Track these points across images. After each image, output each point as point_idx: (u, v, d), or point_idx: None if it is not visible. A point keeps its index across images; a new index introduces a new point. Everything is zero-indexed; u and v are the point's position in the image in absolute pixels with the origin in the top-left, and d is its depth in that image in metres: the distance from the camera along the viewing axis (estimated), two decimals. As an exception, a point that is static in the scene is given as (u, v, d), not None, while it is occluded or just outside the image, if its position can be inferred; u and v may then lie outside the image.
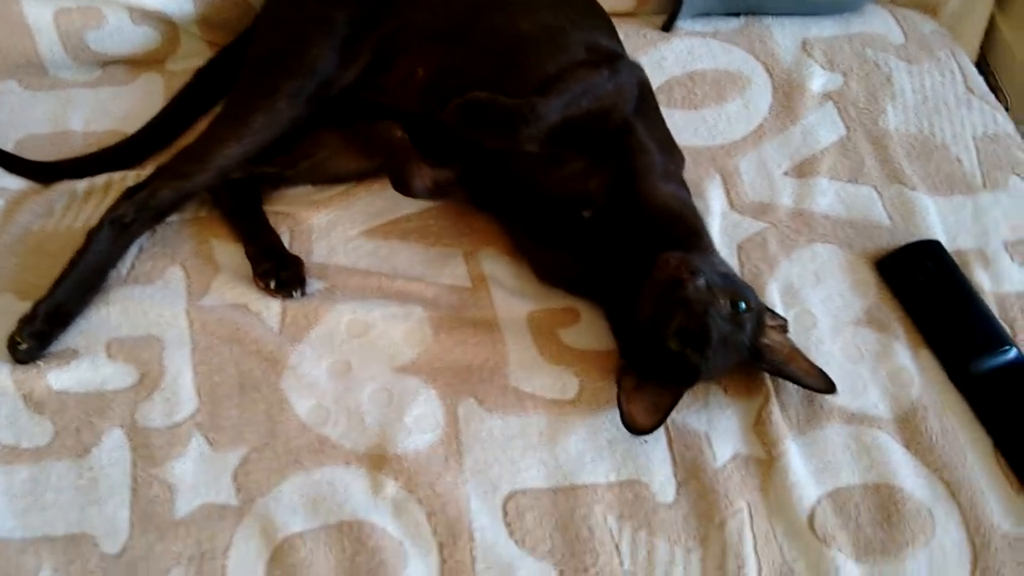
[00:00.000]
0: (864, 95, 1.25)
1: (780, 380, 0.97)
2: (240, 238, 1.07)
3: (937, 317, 1.03)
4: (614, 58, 1.06)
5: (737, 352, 0.93)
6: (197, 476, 0.90)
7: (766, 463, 0.93)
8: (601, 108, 0.99)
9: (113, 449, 0.91)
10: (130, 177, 1.11)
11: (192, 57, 1.25)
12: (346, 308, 1.01)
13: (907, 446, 0.95)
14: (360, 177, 1.14)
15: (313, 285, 1.04)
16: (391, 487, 0.89)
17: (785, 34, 1.32)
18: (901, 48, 1.31)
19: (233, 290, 1.03)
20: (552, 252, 1.04)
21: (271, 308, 1.02)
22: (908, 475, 0.93)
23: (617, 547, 0.87)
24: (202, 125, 1.12)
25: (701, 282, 0.90)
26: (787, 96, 1.25)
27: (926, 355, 1.01)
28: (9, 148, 1.16)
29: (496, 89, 0.97)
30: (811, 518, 0.90)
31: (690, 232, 0.99)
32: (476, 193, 1.07)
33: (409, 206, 1.11)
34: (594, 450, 0.93)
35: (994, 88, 1.34)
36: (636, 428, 0.92)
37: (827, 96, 1.25)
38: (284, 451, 0.91)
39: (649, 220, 0.98)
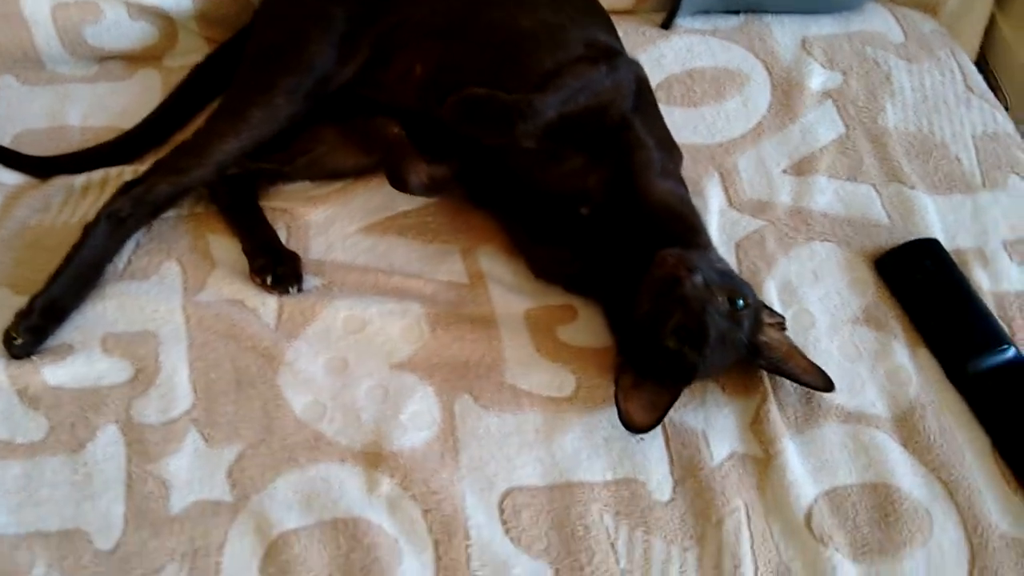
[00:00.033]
0: (863, 93, 1.25)
1: (778, 379, 0.97)
2: (237, 234, 1.07)
3: (935, 316, 1.03)
4: (612, 55, 1.06)
5: (735, 350, 0.92)
6: (192, 472, 0.89)
7: (763, 462, 0.93)
8: (599, 104, 0.99)
9: (108, 445, 0.90)
10: (127, 172, 1.11)
11: (190, 53, 1.24)
12: (343, 304, 1.01)
13: (905, 445, 0.94)
14: (358, 173, 1.13)
15: (310, 281, 1.04)
16: (386, 484, 0.89)
17: (784, 32, 1.31)
18: (901, 47, 1.31)
19: (230, 286, 1.03)
20: (550, 249, 1.03)
21: (267, 304, 1.01)
22: (906, 474, 0.92)
23: (613, 545, 0.87)
24: (200, 121, 1.11)
25: (698, 279, 0.89)
26: (786, 94, 1.25)
27: (924, 354, 1.01)
28: (6, 143, 1.16)
29: (494, 86, 0.97)
30: (808, 517, 0.89)
31: (688, 229, 0.99)
32: (473, 190, 1.06)
33: (407, 203, 1.10)
34: (590, 448, 0.93)
35: (994, 88, 1.33)
36: (634, 426, 0.92)
37: (826, 94, 1.25)
38: (279, 448, 0.91)
39: (647, 217, 0.97)
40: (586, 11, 1.14)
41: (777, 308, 1.02)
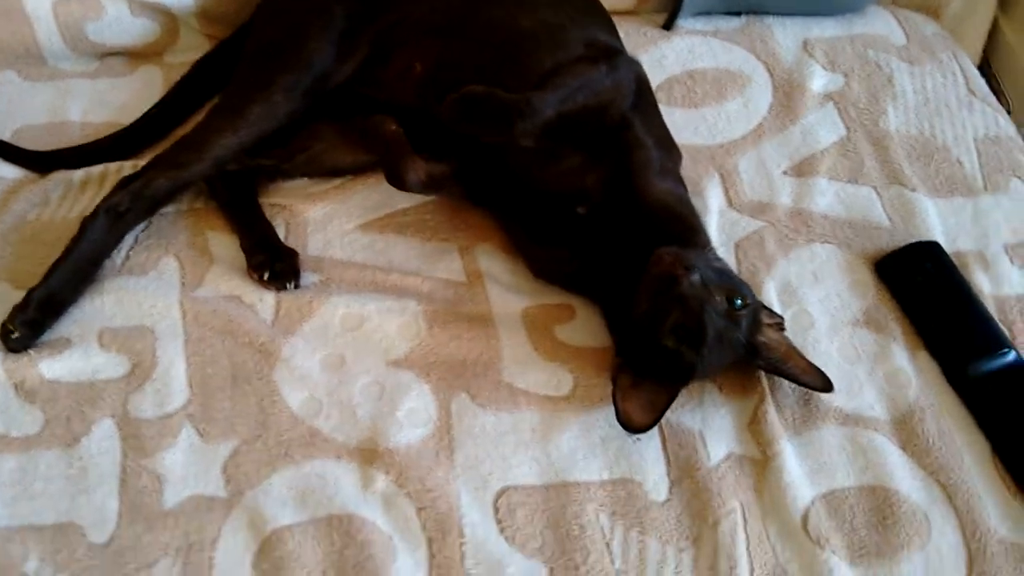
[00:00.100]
0: (865, 96, 1.25)
1: (776, 380, 0.97)
2: (235, 230, 1.07)
3: (935, 319, 1.02)
4: (612, 54, 1.05)
5: (733, 349, 0.92)
6: (187, 467, 0.89)
7: (760, 463, 0.92)
8: (598, 103, 0.99)
9: (103, 439, 0.90)
10: (126, 167, 1.11)
11: (191, 50, 1.24)
12: (340, 301, 1.01)
13: (903, 448, 0.94)
14: (357, 171, 1.13)
15: (308, 278, 1.04)
16: (381, 481, 0.89)
17: (786, 34, 1.31)
18: (903, 49, 1.31)
19: (227, 282, 1.03)
20: (548, 248, 1.03)
21: (265, 300, 1.01)
22: (904, 478, 0.92)
23: (608, 545, 0.87)
24: (199, 117, 1.11)
25: (696, 278, 0.89)
26: (787, 96, 1.24)
27: (924, 357, 1.00)
28: (7, 137, 1.16)
29: (494, 84, 0.97)
30: (805, 519, 0.89)
31: (686, 228, 0.98)
32: (472, 188, 1.06)
33: (405, 200, 1.10)
34: (587, 447, 0.92)
35: (996, 91, 1.33)
36: (631, 426, 0.91)
37: (828, 96, 1.25)
38: (275, 443, 0.91)
39: (645, 216, 0.97)
40: (586, 11, 1.14)
41: (776, 309, 1.02)
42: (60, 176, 1.11)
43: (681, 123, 1.18)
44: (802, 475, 0.91)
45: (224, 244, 1.06)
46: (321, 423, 0.93)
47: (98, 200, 1.04)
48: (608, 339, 0.99)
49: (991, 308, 1.04)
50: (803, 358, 0.95)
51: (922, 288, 1.04)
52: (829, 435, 0.94)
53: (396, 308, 1.01)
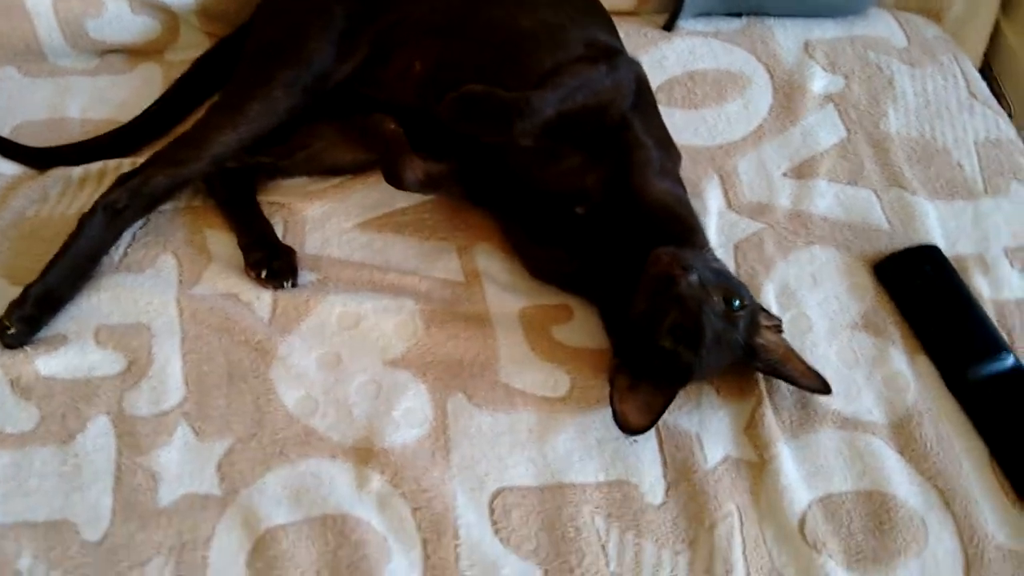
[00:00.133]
0: (865, 98, 1.24)
1: (773, 382, 0.96)
2: (233, 228, 1.07)
3: (934, 322, 1.02)
4: (612, 54, 1.05)
5: (731, 351, 0.92)
6: (182, 465, 0.89)
7: (757, 466, 0.92)
8: (598, 103, 0.98)
9: (98, 436, 0.90)
10: (125, 165, 1.11)
11: (191, 48, 1.24)
12: (338, 300, 1.01)
13: (901, 453, 0.94)
14: (356, 170, 1.13)
15: (305, 276, 1.04)
16: (376, 481, 0.88)
17: (787, 35, 1.31)
18: (904, 52, 1.31)
19: (225, 280, 1.03)
20: (546, 248, 1.03)
21: (262, 298, 1.01)
22: (902, 482, 0.91)
23: (603, 548, 0.86)
24: (199, 115, 1.11)
25: (694, 278, 0.89)
26: (788, 97, 1.24)
27: (922, 361, 1.00)
28: (6, 134, 1.16)
29: (494, 84, 0.97)
30: (802, 523, 0.88)
31: (685, 229, 0.98)
32: (471, 188, 1.06)
33: (404, 200, 1.10)
34: (583, 449, 0.92)
35: (997, 94, 1.32)
36: (629, 428, 0.91)
37: (828, 98, 1.24)
38: (270, 442, 0.91)
39: (644, 216, 0.97)
40: (586, 11, 1.13)
41: (775, 312, 1.02)
42: (59, 173, 1.11)
43: (681, 124, 1.18)
44: (799, 479, 0.91)
45: (222, 242, 1.06)
46: (317, 422, 0.92)
47: (97, 197, 1.04)
48: (606, 340, 0.99)
49: (991, 312, 1.03)
50: (801, 360, 0.95)
51: (921, 291, 1.04)
52: (827, 439, 0.94)
53: (393, 307, 1.00)
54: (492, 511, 0.88)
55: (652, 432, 0.93)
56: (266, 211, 1.09)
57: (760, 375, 0.97)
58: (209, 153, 1.03)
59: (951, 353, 1.00)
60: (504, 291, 1.04)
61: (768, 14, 1.33)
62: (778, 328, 0.97)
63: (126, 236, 1.05)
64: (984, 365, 0.98)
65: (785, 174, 1.17)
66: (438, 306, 1.02)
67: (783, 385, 0.96)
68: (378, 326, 0.99)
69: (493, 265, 1.06)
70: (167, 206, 1.08)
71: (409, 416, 0.93)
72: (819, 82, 1.26)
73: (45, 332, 0.96)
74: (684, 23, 1.31)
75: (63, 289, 0.98)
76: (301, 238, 1.08)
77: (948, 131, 1.21)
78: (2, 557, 0.82)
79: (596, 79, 0.99)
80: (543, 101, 0.95)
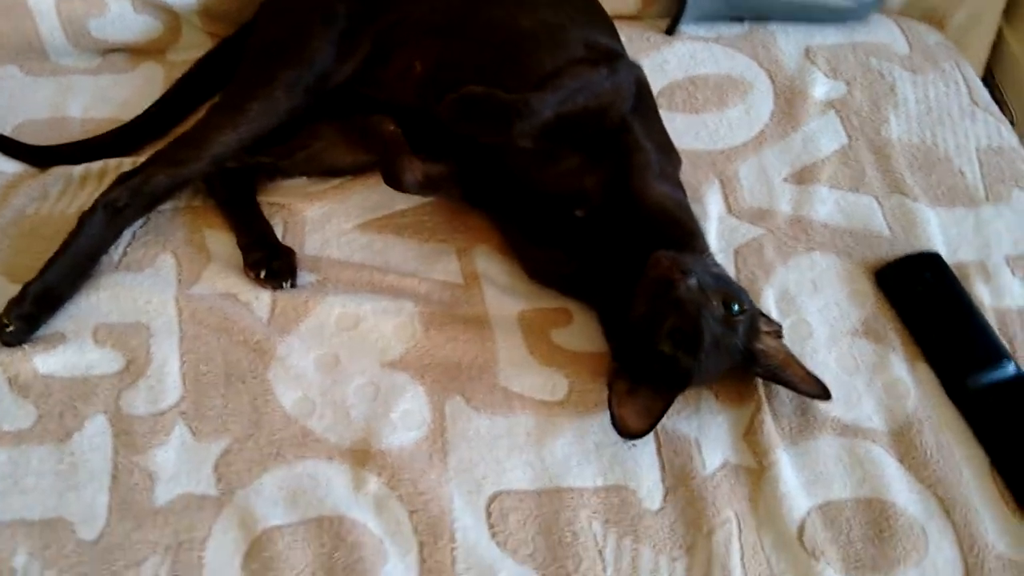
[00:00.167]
0: (867, 104, 1.24)
1: (773, 388, 0.96)
2: (233, 228, 1.07)
3: (935, 330, 1.02)
4: (613, 57, 1.05)
5: (730, 356, 0.91)
6: (178, 465, 0.89)
7: (756, 472, 0.91)
8: (598, 106, 0.98)
9: (95, 435, 0.90)
10: (126, 164, 1.11)
11: (193, 48, 1.24)
12: (337, 301, 1.01)
13: (901, 460, 0.93)
14: (356, 171, 1.13)
15: (304, 277, 1.04)
16: (373, 483, 0.88)
17: (789, 41, 1.31)
18: (906, 58, 1.30)
19: (224, 280, 1.02)
20: (545, 251, 1.02)
21: (261, 299, 1.01)
22: (901, 490, 0.91)
23: (600, 553, 0.86)
24: (200, 115, 1.11)
25: (693, 282, 0.88)
26: (789, 103, 1.24)
27: (923, 368, 0.99)
28: (7, 132, 1.16)
29: (494, 85, 0.97)
30: (801, 531, 0.88)
31: (684, 233, 0.98)
32: (470, 190, 1.06)
33: (404, 201, 1.10)
34: (581, 453, 0.92)
35: (999, 102, 1.32)
36: (627, 432, 0.91)
37: (829, 104, 1.24)
38: (267, 443, 0.90)
39: (643, 219, 0.97)
40: (587, 13, 1.13)
41: (775, 318, 1.01)
42: (60, 171, 1.11)
43: (682, 128, 1.18)
44: (798, 486, 0.91)
45: (221, 242, 1.06)
46: (314, 423, 0.92)
47: (97, 196, 1.04)
48: (605, 344, 0.99)
49: (992, 320, 1.03)
50: (801, 366, 0.94)
51: (922, 298, 1.04)
52: (826, 445, 0.93)
53: (392, 309, 1.00)
54: (489, 515, 0.87)
55: (650, 437, 0.92)
56: (266, 212, 1.09)
57: (759, 381, 0.96)
58: (209, 153, 1.03)
59: (952, 361, 0.99)
60: (503, 294, 1.03)
61: (770, 19, 1.33)
62: (778, 333, 0.97)
63: (126, 235, 1.05)
64: (985, 373, 0.98)
65: (786, 180, 1.16)
66: (437, 308, 1.01)
67: (783, 391, 0.96)
68: (377, 328, 0.99)
69: (492, 268, 1.06)
70: (167, 205, 1.08)
71: (407, 418, 0.93)
72: (821, 88, 1.25)
73: (44, 330, 0.96)
74: (686, 28, 1.31)
75: (62, 287, 0.98)
76: (301, 239, 1.08)
77: (950, 138, 1.21)
78: (-2, 555, 0.82)
79: (596, 81, 0.99)
80: (542, 103, 0.95)
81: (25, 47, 1.23)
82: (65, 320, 0.97)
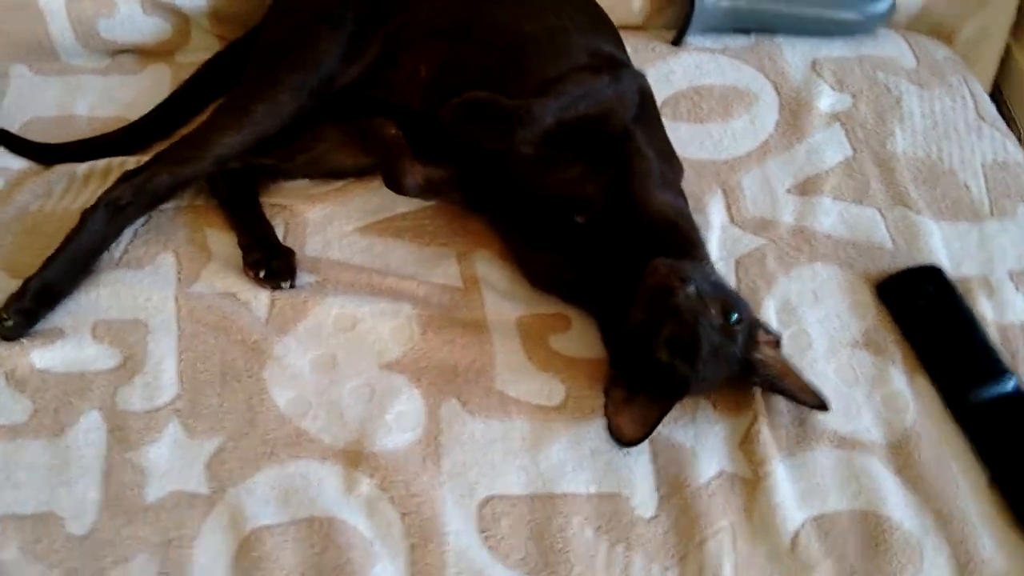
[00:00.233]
0: (872, 117, 1.24)
1: (771, 398, 0.95)
2: (234, 228, 1.07)
3: (936, 343, 1.01)
4: (616, 65, 1.05)
5: (728, 365, 0.91)
6: (171, 462, 0.88)
7: (751, 483, 0.90)
8: (599, 113, 0.98)
9: (89, 430, 0.90)
10: (130, 162, 1.12)
11: (202, 51, 1.26)
12: (335, 302, 1.01)
13: (899, 474, 0.92)
14: (358, 173, 1.13)
15: (304, 278, 1.04)
16: (366, 485, 0.88)
17: (795, 53, 1.31)
18: (912, 72, 1.30)
19: (224, 279, 1.03)
20: (545, 257, 1.02)
21: (260, 298, 1.01)
22: (898, 504, 0.90)
23: (593, 560, 0.85)
24: (206, 116, 1.12)
25: (691, 290, 0.88)
26: (794, 114, 1.23)
27: (922, 381, 0.98)
28: (15, 129, 1.17)
29: (497, 89, 0.97)
30: (794, 542, 0.87)
31: (685, 241, 0.97)
32: (472, 194, 1.06)
33: (405, 205, 1.10)
34: (576, 459, 0.91)
35: (1007, 118, 1.31)
36: (622, 440, 0.91)
37: (835, 116, 1.24)
38: (260, 442, 0.90)
39: (643, 226, 0.96)
40: (592, 21, 1.14)
41: (775, 328, 1.00)
42: (64, 169, 1.12)
43: (686, 138, 1.18)
44: (793, 497, 0.89)
45: (222, 241, 1.06)
46: (308, 423, 0.92)
47: (100, 194, 1.04)
48: (603, 351, 0.98)
49: (994, 335, 1.02)
50: (799, 376, 0.94)
51: (923, 312, 1.03)
52: (823, 457, 0.92)
53: (390, 311, 1.00)
54: (481, 519, 0.87)
55: (646, 445, 0.92)
56: (268, 212, 1.09)
57: (757, 390, 0.96)
58: (213, 153, 1.04)
59: (952, 374, 0.98)
60: (502, 298, 1.03)
61: (777, 32, 1.33)
62: (777, 343, 0.96)
63: (127, 233, 1.05)
64: (986, 387, 0.97)
65: (789, 190, 1.16)
66: (435, 311, 1.01)
67: (780, 401, 0.95)
68: (375, 329, 0.99)
69: (492, 272, 1.06)
70: (169, 204, 1.08)
71: (401, 420, 0.92)
72: (826, 100, 1.25)
73: (42, 325, 0.97)
74: (692, 39, 1.32)
75: (62, 283, 0.99)
76: (302, 240, 1.08)
77: (955, 152, 1.21)
78: (-11, 548, 0.82)
79: (599, 89, 0.99)
80: (544, 109, 0.95)
81: (35, 46, 1.24)
82: (64, 316, 0.98)
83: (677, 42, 1.31)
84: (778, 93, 1.26)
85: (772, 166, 1.18)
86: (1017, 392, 0.97)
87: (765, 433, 0.93)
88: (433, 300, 1.03)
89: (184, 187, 1.08)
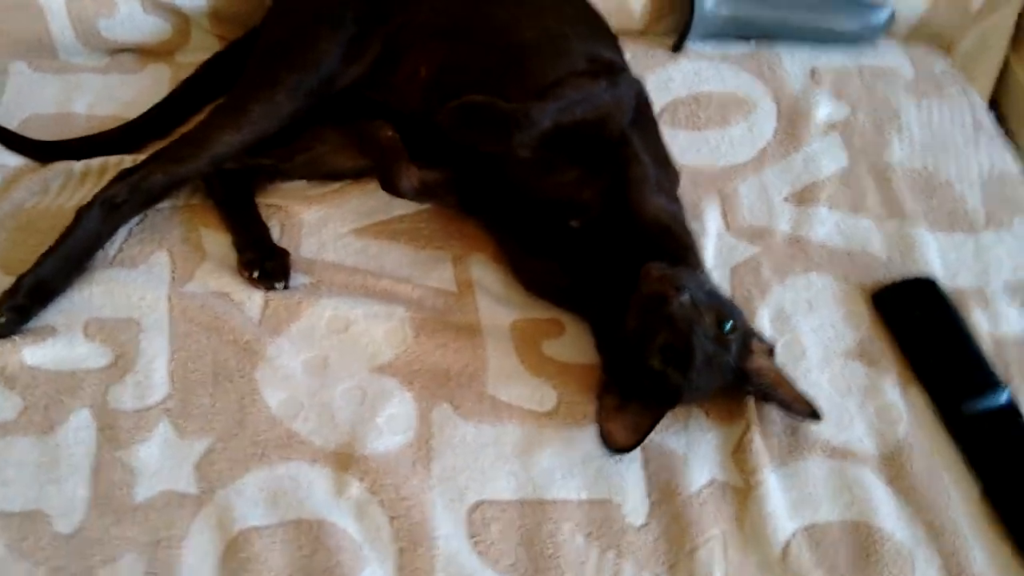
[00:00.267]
0: (870, 127, 1.24)
1: (763, 407, 0.95)
2: (229, 228, 1.07)
3: (930, 354, 1.00)
4: (614, 70, 1.05)
5: (721, 374, 0.90)
6: (161, 462, 0.88)
7: (743, 491, 0.90)
8: (596, 118, 0.98)
9: (79, 429, 0.90)
10: (127, 161, 1.11)
11: (201, 51, 1.25)
12: (329, 304, 1.01)
13: (890, 485, 0.92)
14: (356, 175, 1.13)
15: (298, 279, 1.04)
16: (355, 487, 0.87)
17: (794, 62, 1.31)
18: (911, 83, 1.30)
19: (218, 279, 1.03)
20: (540, 262, 1.02)
21: (253, 299, 1.01)
22: (889, 515, 0.89)
23: (582, 566, 0.85)
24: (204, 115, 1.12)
25: (686, 298, 0.88)
26: (792, 123, 1.23)
27: (916, 393, 0.98)
28: (13, 126, 1.17)
29: (496, 91, 0.97)
30: (785, 552, 0.86)
31: (680, 247, 0.97)
32: (468, 197, 1.06)
33: (401, 208, 1.10)
34: (567, 465, 0.91)
35: (1005, 131, 1.31)
36: (614, 446, 0.90)
37: (832, 126, 1.24)
38: (251, 443, 0.90)
39: (639, 232, 0.96)
40: (590, 27, 1.14)
41: (769, 336, 1.00)
42: (61, 166, 1.12)
43: (684, 144, 1.18)
44: (785, 506, 0.89)
45: (217, 241, 1.06)
46: (299, 425, 0.92)
47: (96, 191, 1.04)
48: (596, 357, 0.98)
49: (989, 347, 1.02)
50: (793, 386, 0.93)
51: (918, 323, 1.03)
52: (815, 467, 0.92)
53: (384, 314, 1.00)
54: (471, 523, 0.87)
55: (637, 452, 0.91)
56: (263, 213, 1.09)
57: (750, 399, 0.95)
58: (209, 153, 1.03)
59: (946, 386, 0.98)
60: (497, 303, 1.03)
61: (777, 40, 1.33)
62: (770, 352, 0.96)
63: (122, 232, 1.05)
64: (979, 400, 0.97)
65: (786, 199, 1.16)
66: (429, 315, 1.01)
67: (773, 411, 0.95)
68: (368, 332, 0.99)
69: (487, 276, 1.06)
70: (165, 203, 1.08)
71: (393, 423, 0.92)
72: (824, 109, 1.25)
73: (35, 323, 0.97)
74: (692, 45, 1.32)
75: (56, 281, 0.99)
76: (297, 241, 1.08)
77: (952, 164, 1.20)
78: (-25, 545, 0.82)
79: (596, 94, 0.99)
80: (541, 113, 0.95)
81: (35, 44, 1.24)
82: (57, 313, 0.98)
83: (677, 49, 1.31)
84: (776, 101, 1.26)
85: (769, 174, 1.18)
86: (1010, 405, 0.97)
87: (757, 442, 0.93)
88: (427, 303, 1.02)
89: (180, 186, 1.07)
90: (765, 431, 0.94)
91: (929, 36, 1.37)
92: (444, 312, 1.02)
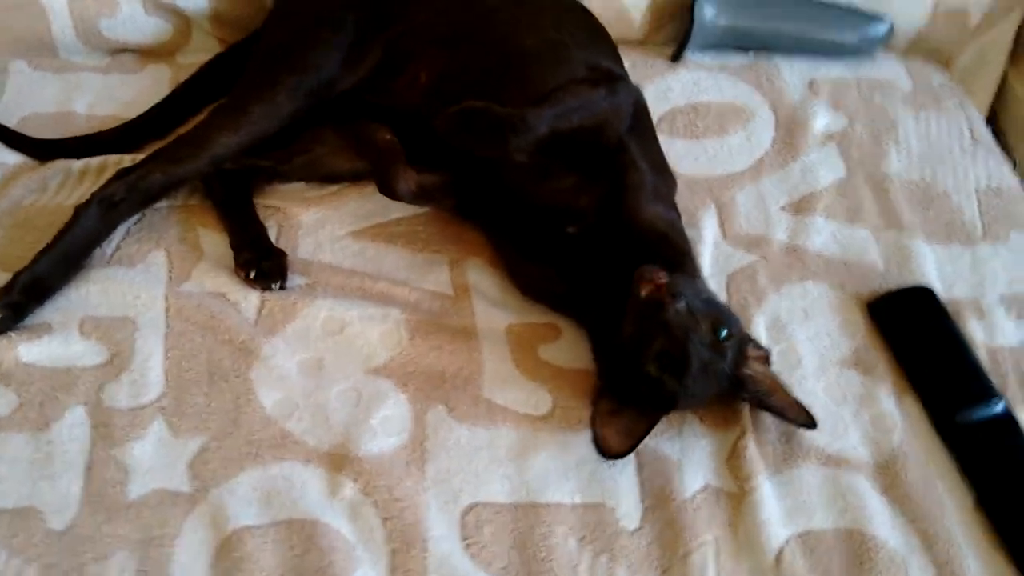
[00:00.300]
0: (868, 138, 1.24)
1: (758, 414, 0.95)
2: (226, 228, 1.07)
3: (926, 364, 1.01)
4: (613, 78, 1.06)
5: (717, 381, 0.91)
6: (154, 460, 0.88)
7: (737, 497, 0.90)
8: (594, 124, 0.99)
9: (74, 426, 0.89)
10: (126, 160, 1.12)
11: (202, 52, 1.26)
12: (325, 305, 1.01)
13: (885, 493, 0.92)
14: (354, 178, 1.14)
15: (294, 280, 1.04)
16: (349, 488, 0.87)
17: (793, 73, 1.32)
18: (909, 95, 1.31)
19: (214, 279, 1.03)
20: (537, 267, 1.02)
21: (249, 299, 1.01)
22: (883, 523, 0.89)
23: (575, 570, 0.85)
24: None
25: (682, 305, 0.88)
26: (790, 133, 1.24)
27: (910, 402, 0.98)
28: (12, 125, 1.17)
29: (496, 98, 0.97)
30: (779, 559, 0.86)
31: (676, 254, 0.98)
32: (465, 202, 1.06)
33: (399, 211, 1.10)
34: (561, 469, 0.91)
35: (1002, 145, 1.32)
36: (608, 451, 0.90)
37: (830, 136, 1.24)
38: (245, 443, 0.90)
39: (635, 239, 0.96)
40: (590, 35, 1.14)
41: (765, 344, 1.00)
42: (60, 165, 1.12)
43: (682, 153, 1.19)
44: (779, 513, 0.89)
45: (214, 241, 1.06)
46: (293, 425, 0.92)
47: (94, 190, 1.04)
48: (591, 362, 0.98)
49: (984, 358, 1.02)
50: (788, 393, 0.94)
51: (914, 332, 1.03)
52: (809, 475, 0.92)
53: (379, 316, 1.00)
54: (464, 526, 0.86)
55: (632, 457, 0.91)
56: (261, 214, 1.10)
57: (745, 406, 0.95)
58: (208, 153, 1.04)
59: (941, 395, 0.98)
60: (493, 307, 1.03)
61: (775, 51, 1.33)
62: (766, 360, 0.96)
63: (120, 230, 1.05)
64: (974, 409, 0.97)
65: (783, 208, 1.16)
66: (425, 317, 1.01)
67: (768, 418, 0.95)
68: (363, 333, 0.99)
69: (484, 280, 1.06)
70: (163, 203, 1.08)
71: (387, 425, 0.92)
72: (822, 120, 1.26)
73: (31, 320, 0.96)
74: (691, 56, 1.32)
75: (52, 278, 0.98)
76: (294, 242, 1.08)
77: (949, 176, 1.21)
78: (-33, 542, 0.81)
79: (594, 101, 0.99)
80: (539, 119, 0.95)
81: (36, 43, 1.25)
82: (53, 311, 0.98)
83: (676, 58, 1.32)
84: (774, 111, 1.27)
85: (766, 184, 1.19)
86: (1005, 415, 0.97)
87: (752, 449, 0.93)
88: (423, 306, 1.03)
89: (178, 186, 1.07)
90: (760, 438, 0.94)
91: (928, 50, 1.38)
92: (440, 315, 1.02)
